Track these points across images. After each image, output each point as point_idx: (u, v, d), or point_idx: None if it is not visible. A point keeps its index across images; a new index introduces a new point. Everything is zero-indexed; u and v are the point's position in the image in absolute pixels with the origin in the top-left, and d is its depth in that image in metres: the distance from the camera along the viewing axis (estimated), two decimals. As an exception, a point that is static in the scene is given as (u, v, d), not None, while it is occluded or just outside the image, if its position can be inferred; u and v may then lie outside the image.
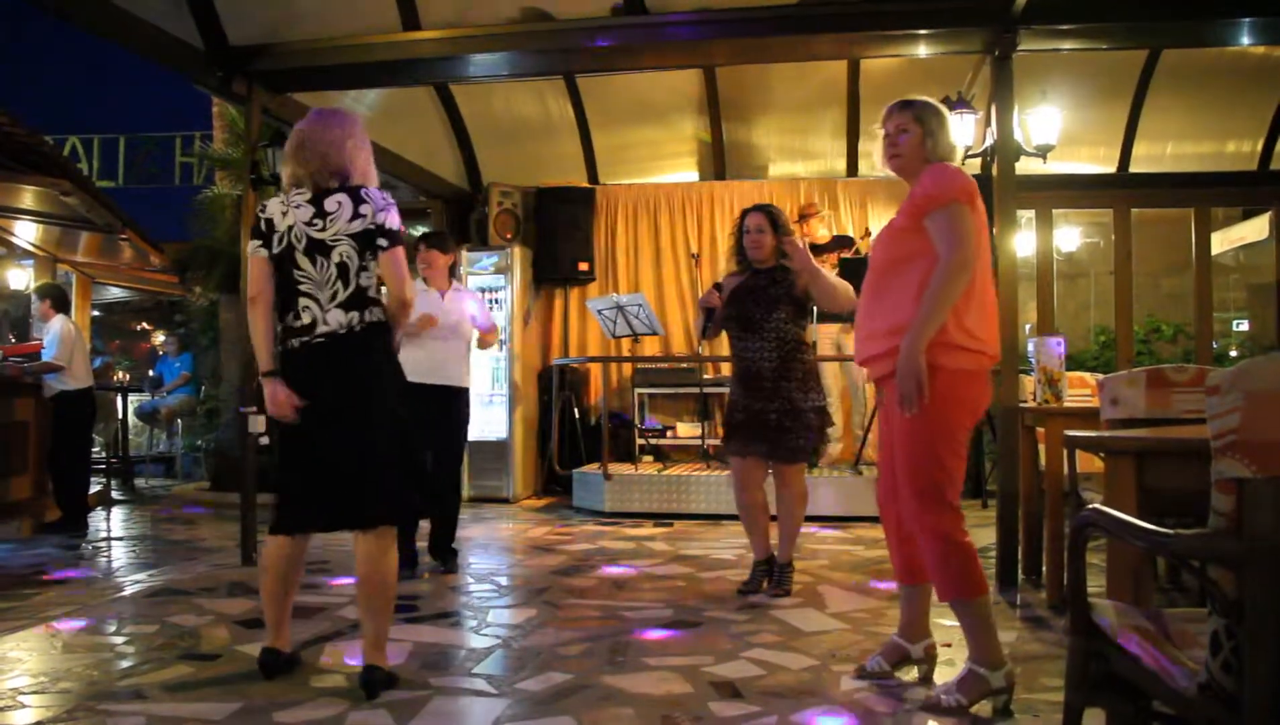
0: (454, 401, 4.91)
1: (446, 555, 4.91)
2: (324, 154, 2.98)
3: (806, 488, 4.31)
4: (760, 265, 4.21)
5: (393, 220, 2.98)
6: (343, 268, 2.94)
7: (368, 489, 2.93)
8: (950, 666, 3.02)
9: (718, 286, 4.32)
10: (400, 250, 2.97)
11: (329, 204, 2.95)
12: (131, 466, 9.51)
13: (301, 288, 2.96)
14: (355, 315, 2.94)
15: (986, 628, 2.71)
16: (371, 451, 2.93)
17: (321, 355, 2.95)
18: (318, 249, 2.95)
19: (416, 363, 4.61)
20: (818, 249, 7.23)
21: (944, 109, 2.93)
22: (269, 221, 3.00)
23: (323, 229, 2.94)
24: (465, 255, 7.96)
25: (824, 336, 6.99)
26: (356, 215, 2.94)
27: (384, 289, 3.05)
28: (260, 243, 3.01)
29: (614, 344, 7.59)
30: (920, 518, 2.74)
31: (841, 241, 7.32)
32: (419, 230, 8.36)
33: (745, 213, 4.30)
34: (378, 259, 2.96)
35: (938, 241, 2.69)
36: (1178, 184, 7.30)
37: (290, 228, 2.97)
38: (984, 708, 2.69)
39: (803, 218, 7.43)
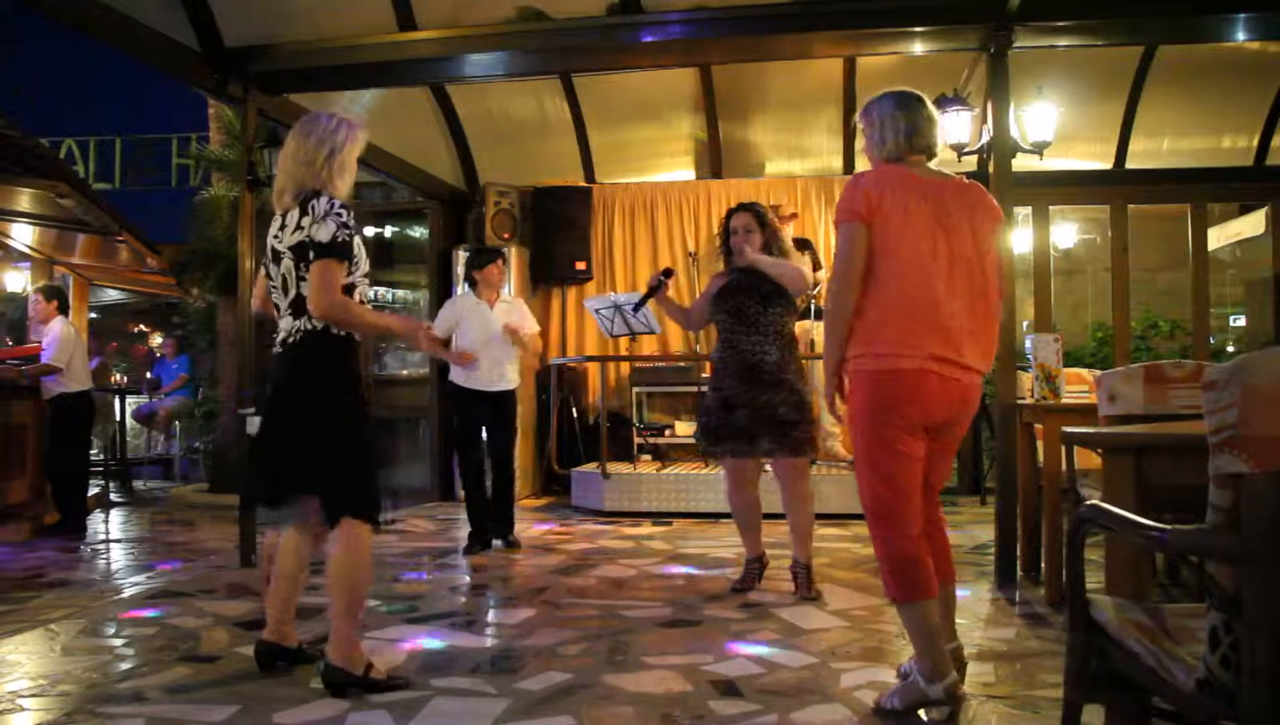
0: (505, 402, 5.47)
1: (505, 533, 5.49)
2: (291, 174, 3.04)
3: (812, 488, 4.26)
4: (750, 263, 4.21)
5: (323, 232, 2.91)
6: (284, 278, 3.03)
7: (317, 488, 3.00)
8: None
9: (667, 272, 4.41)
10: (326, 263, 2.90)
11: (288, 216, 3.03)
12: (129, 469, 9.50)
13: (273, 297, 3.12)
14: (295, 322, 3.02)
15: (925, 635, 2.62)
16: (311, 451, 2.98)
17: (278, 361, 3.10)
18: (274, 258, 3.06)
19: (475, 375, 5.34)
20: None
21: (882, 104, 2.84)
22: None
23: (280, 241, 3.04)
24: (462, 255, 7.94)
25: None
26: (298, 226, 2.97)
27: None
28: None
29: (611, 343, 7.58)
30: (870, 527, 2.74)
31: (801, 245, 7.31)
32: (416, 231, 8.37)
33: (731, 213, 4.31)
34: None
35: None
36: (1174, 180, 7.31)
37: (266, 241, 3.11)
38: (984, 710, 2.69)
39: (794, 216, 7.46)
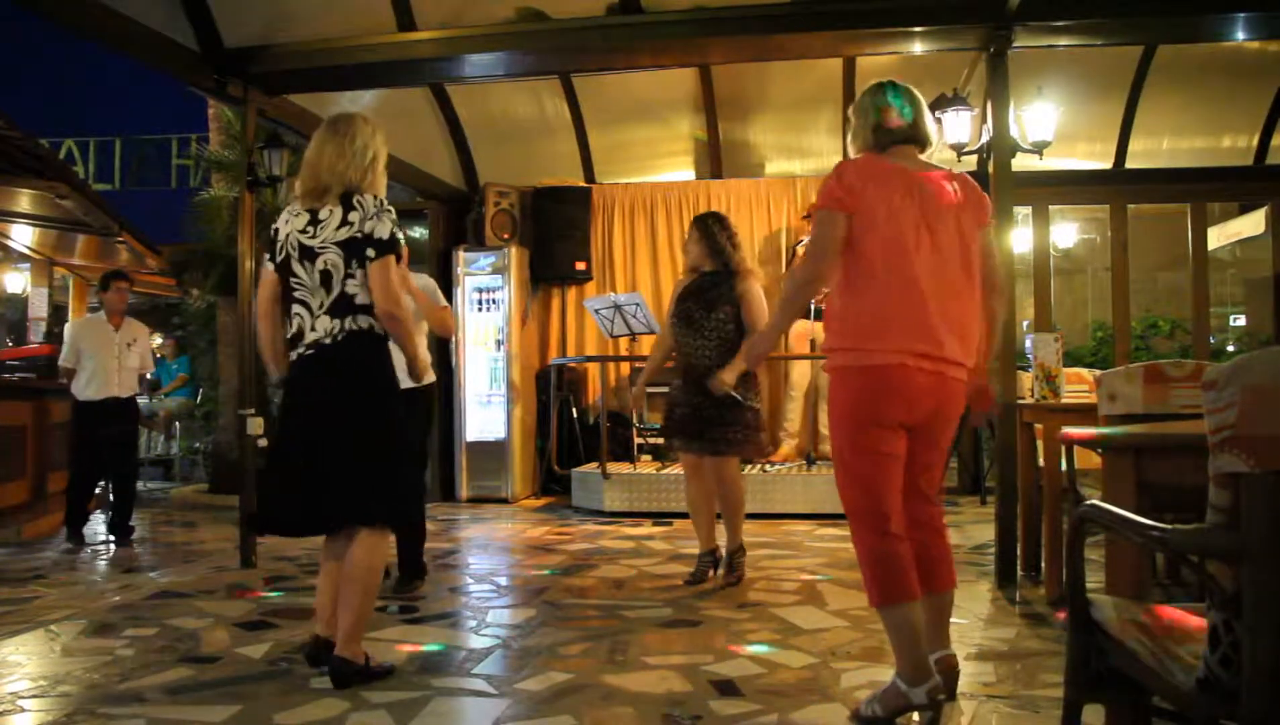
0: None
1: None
2: (317, 168, 3.03)
3: (741, 483, 4.48)
4: (708, 268, 4.44)
5: (382, 229, 2.96)
6: (326, 275, 2.97)
7: (354, 490, 2.96)
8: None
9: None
10: (388, 260, 2.95)
11: (321, 212, 3.01)
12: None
13: (295, 295, 3.03)
14: (338, 322, 2.98)
15: (905, 638, 2.56)
16: (358, 456, 2.96)
17: (310, 365, 3.02)
18: (307, 256, 3.00)
19: None
20: None
21: (860, 101, 2.81)
22: (275, 231, 3.10)
23: (313, 236, 3.00)
24: (463, 256, 7.97)
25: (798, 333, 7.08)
26: (344, 222, 2.97)
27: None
28: (269, 257, 3.12)
29: (612, 343, 7.58)
30: (850, 528, 2.71)
31: None
32: (416, 231, 8.37)
33: None
34: (366, 269, 2.96)
35: None
36: (1174, 179, 7.30)
37: (288, 236, 3.04)
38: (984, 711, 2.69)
39: (809, 217, 7.50)
